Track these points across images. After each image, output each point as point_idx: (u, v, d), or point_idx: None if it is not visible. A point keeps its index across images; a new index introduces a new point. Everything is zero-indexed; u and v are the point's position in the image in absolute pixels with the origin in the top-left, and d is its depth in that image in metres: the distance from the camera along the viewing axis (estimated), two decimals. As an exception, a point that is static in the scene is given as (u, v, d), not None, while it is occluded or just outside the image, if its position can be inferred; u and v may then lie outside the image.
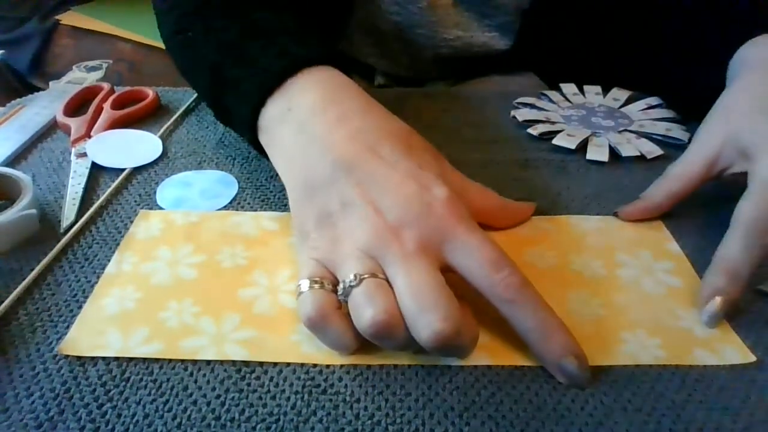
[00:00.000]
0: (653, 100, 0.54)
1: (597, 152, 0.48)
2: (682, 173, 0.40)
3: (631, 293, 0.35)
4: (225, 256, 0.38)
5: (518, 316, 0.30)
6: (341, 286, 0.30)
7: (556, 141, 0.49)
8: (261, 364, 0.31)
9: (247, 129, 0.39)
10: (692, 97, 0.51)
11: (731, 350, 0.32)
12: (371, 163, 0.32)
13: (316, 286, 0.30)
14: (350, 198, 0.32)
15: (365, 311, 0.28)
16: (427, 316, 0.28)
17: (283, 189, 0.44)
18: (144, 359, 0.31)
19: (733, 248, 0.34)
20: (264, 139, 0.39)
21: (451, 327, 0.27)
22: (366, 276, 0.29)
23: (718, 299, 0.32)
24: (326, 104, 0.36)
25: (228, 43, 0.42)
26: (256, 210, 0.42)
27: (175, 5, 0.48)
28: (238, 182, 0.45)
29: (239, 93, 0.40)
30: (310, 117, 0.36)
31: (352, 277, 0.29)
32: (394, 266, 0.29)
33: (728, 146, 0.38)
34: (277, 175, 0.45)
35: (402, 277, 0.29)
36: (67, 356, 0.31)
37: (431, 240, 0.30)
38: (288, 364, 0.31)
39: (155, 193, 0.44)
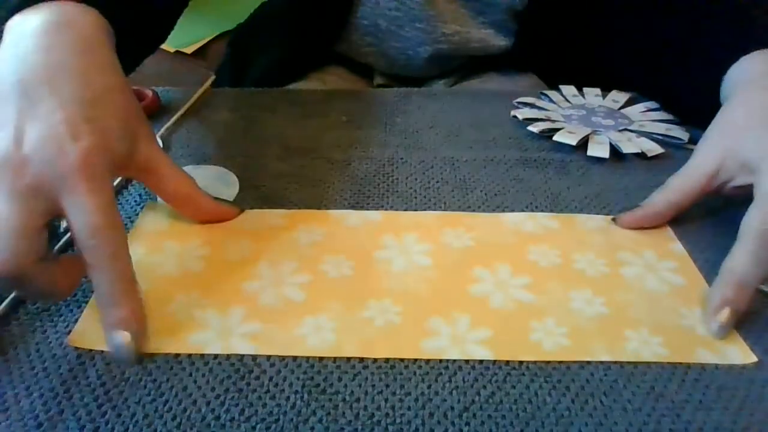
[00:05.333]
0: (652, 104, 0.55)
1: (598, 149, 0.48)
2: (682, 185, 0.40)
3: (635, 291, 0.36)
4: (231, 249, 0.38)
5: (95, 281, 0.30)
6: None
7: (557, 137, 0.49)
8: (259, 364, 0.31)
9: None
10: (690, 101, 0.51)
11: (733, 350, 0.32)
12: (46, 98, 0.32)
13: None
14: (7, 119, 0.31)
15: None
16: None
17: (283, 190, 0.44)
18: (143, 358, 0.31)
19: (741, 260, 0.34)
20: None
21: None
22: None
23: (727, 310, 0.33)
24: (50, 31, 0.34)
25: None
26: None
27: None
28: (239, 182, 0.45)
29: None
30: (30, 34, 0.34)
31: None
32: (1, 196, 0.29)
33: (729, 160, 0.38)
34: (277, 175, 0.46)
35: None
36: (66, 356, 0.31)
37: (48, 187, 0.30)
38: (287, 364, 0.31)
39: (155, 194, 0.43)
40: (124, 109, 0.34)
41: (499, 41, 0.65)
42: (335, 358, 0.31)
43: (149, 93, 0.55)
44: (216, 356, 0.31)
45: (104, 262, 0.30)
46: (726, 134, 0.40)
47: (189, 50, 1.14)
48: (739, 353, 0.32)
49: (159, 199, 0.42)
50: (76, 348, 0.31)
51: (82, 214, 0.30)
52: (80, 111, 0.32)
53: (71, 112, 0.32)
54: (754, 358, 0.31)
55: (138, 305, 0.31)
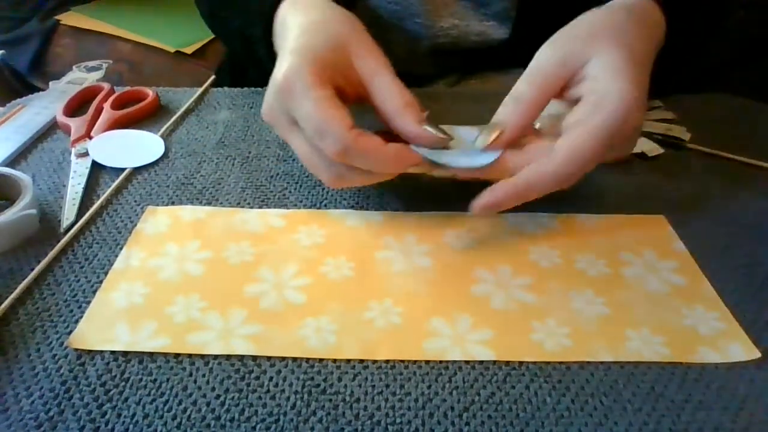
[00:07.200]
0: (652, 103, 0.54)
1: (597, 152, 0.48)
2: (531, 83, 0.39)
3: (636, 291, 0.36)
4: (232, 252, 0.38)
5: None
6: None
7: (556, 140, 0.49)
8: (259, 364, 0.31)
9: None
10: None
11: (735, 347, 0.32)
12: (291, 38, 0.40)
13: None
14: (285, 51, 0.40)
15: None
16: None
17: (283, 190, 0.44)
18: (143, 358, 0.31)
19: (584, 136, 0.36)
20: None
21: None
22: None
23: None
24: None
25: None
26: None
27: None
28: (238, 182, 0.45)
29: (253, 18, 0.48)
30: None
31: None
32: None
33: (571, 61, 0.38)
34: (277, 175, 0.46)
35: None
36: (66, 356, 0.31)
37: (277, 109, 0.38)
38: (287, 364, 0.31)
39: (155, 193, 0.44)
40: (334, 31, 0.40)
41: (500, 33, 0.65)
42: (335, 358, 0.31)
43: (149, 93, 0.55)
44: (216, 356, 0.31)
45: (350, 157, 0.36)
46: (569, 41, 0.40)
47: (189, 50, 1.14)
48: (742, 350, 0.32)
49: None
50: (76, 348, 0.31)
51: (305, 121, 0.36)
52: (293, 45, 0.39)
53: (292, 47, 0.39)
54: (757, 354, 0.31)
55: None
